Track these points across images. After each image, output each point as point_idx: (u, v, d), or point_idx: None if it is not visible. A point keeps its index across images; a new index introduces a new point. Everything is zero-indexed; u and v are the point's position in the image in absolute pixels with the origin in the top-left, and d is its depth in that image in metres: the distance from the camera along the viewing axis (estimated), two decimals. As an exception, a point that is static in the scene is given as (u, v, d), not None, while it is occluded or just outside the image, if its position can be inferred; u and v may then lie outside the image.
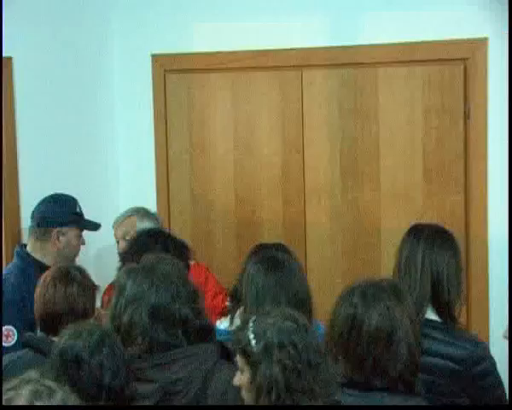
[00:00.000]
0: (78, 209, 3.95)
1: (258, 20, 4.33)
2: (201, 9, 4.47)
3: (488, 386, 3.02)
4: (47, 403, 1.86)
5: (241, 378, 2.42)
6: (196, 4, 4.48)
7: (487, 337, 3.86)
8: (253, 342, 2.36)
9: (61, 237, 3.85)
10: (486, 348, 3.04)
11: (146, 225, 4.15)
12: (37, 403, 1.85)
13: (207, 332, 2.90)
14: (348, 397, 2.55)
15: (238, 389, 2.57)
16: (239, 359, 2.42)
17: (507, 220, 3.95)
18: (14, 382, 1.93)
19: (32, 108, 4.27)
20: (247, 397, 2.42)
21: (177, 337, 2.78)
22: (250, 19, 4.36)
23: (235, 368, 2.66)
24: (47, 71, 4.34)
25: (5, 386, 1.94)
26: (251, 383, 2.38)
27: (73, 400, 1.93)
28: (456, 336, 3.02)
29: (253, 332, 2.38)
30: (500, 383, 3.04)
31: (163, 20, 4.55)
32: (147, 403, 2.67)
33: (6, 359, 3.07)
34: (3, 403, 1.88)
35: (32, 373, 2.00)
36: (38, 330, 3.21)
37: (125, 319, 2.81)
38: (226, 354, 2.85)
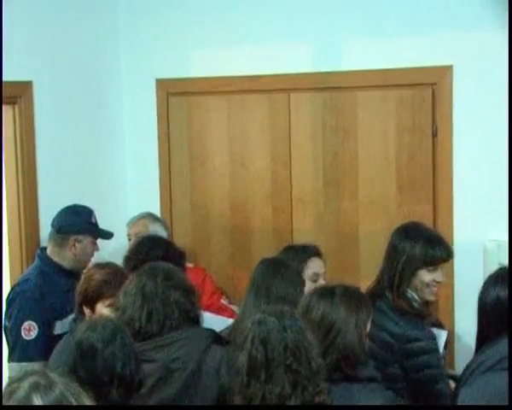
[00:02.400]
0: (93, 220, 3.95)
1: (250, 49, 4.33)
2: (200, 39, 4.47)
3: (428, 378, 3.04)
4: (43, 395, 1.85)
5: None
6: (196, 35, 4.48)
7: (452, 335, 3.87)
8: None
9: (77, 244, 3.85)
10: (426, 335, 3.08)
11: (156, 226, 4.20)
12: (34, 395, 1.85)
13: (198, 319, 2.97)
14: None
15: (229, 367, 2.65)
16: None
17: (470, 226, 3.93)
18: (22, 374, 1.94)
19: (50, 127, 4.26)
20: None
21: (174, 317, 2.84)
22: (243, 48, 4.36)
23: (226, 350, 2.77)
24: (63, 93, 4.34)
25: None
26: None
27: (75, 390, 1.93)
28: (401, 318, 3.10)
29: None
30: (442, 377, 3.08)
31: (166, 49, 4.56)
32: (150, 380, 2.70)
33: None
34: (7, 394, 1.87)
35: (37, 365, 2.08)
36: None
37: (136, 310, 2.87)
38: (219, 340, 2.92)
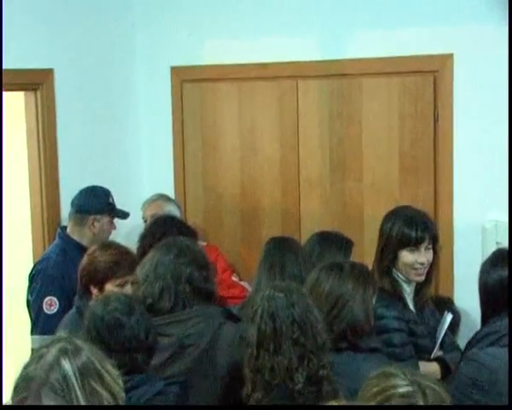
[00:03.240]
0: (111, 200, 3.95)
1: (260, 38, 4.32)
2: (212, 29, 4.47)
3: (391, 356, 2.89)
4: (71, 359, 1.86)
5: None
6: (208, 24, 4.48)
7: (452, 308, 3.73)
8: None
9: (96, 223, 3.86)
10: (391, 315, 2.97)
11: (170, 207, 4.21)
12: (63, 358, 1.85)
13: (211, 296, 2.96)
14: None
15: (241, 342, 2.59)
16: None
17: (469, 207, 3.93)
18: (50, 338, 1.97)
19: (70, 113, 4.26)
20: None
21: (186, 294, 2.84)
22: (253, 36, 4.35)
23: (237, 326, 2.76)
24: (83, 80, 4.35)
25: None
26: None
27: (100, 355, 1.94)
28: (379, 296, 2.95)
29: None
30: (404, 357, 2.93)
31: (180, 38, 4.55)
32: (165, 354, 2.72)
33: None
34: (36, 358, 1.88)
35: (63, 333, 2.02)
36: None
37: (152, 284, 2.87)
38: (231, 317, 2.92)
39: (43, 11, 4.13)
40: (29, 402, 1.82)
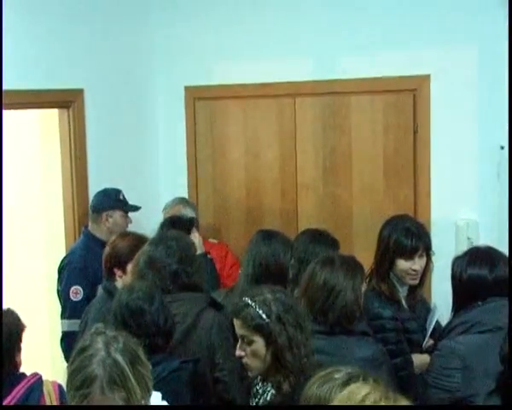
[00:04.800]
0: (121, 197, 3.91)
1: (261, 62, 4.32)
2: (221, 54, 4.46)
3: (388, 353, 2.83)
4: (115, 345, 1.85)
5: (250, 349, 2.27)
6: (217, 50, 4.47)
7: (430, 297, 3.80)
8: (264, 316, 2.25)
9: (109, 219, 3.83)
10: (387, 315, 2.92)
11: (187, 210, 4.13)
12: (113, 352, 1.82)
13: (195, 288, 2.86)
14: (317, 341, 2.51)
15: (221, 326, 2.58)
16: (248, 334, 2.26)
17: (444, 208, 3.89)
18: (89, 333, 1.94)
19: (98, 126, 4.26)
20: (255, 363, 2.28)
21: (167, 285, 2.77)
22: (256, 60, 4.34)
23: (219, 313, 2.71)
24: (109, 98, 4.34)
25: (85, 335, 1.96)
26: (267, 348, 2.25)
27: (132, 341, 1.93)
28: (376, 298, 2.98)
29: (261, 309, 2.27)
30: (400, 353, 2.89)
31: (193, 62, 4.55)
32: None
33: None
34: (88, 357, 1.84)
35: (100, 325, 1.99)
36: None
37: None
38: (215, 304, 2.83)
39: (75, 38, 4.13)
40: (94, 399, 1.78)
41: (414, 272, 3.03)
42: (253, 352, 2.27)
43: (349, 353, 2.48)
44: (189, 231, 3.46)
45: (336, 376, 1.79)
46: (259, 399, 2.32)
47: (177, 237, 2.99)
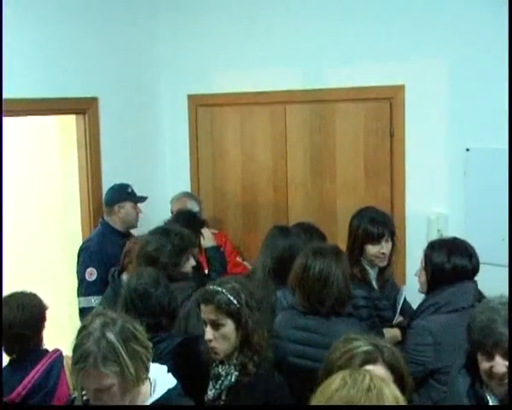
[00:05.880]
0: (129, 190, 3.93)
1: (256, 72, 4.33)
2: (220, 65, 4.47)
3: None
4: (111, 328, 1.83)
5: (220, 332, 2.22)
6: (216, 62, 4.48)
7: (404, 281, 3.77)
8: (235, 301, 2.23)
9: (121, 210, 3.88)
10: (358, 294, 2.89)
11: (192, 204, 4.14)
12: (107, 332, 1.81)
13: (184, 277, 2.89)
14: (306, 320, 2.58)
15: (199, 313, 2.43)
16: (220, 318, 2.21)
17: (417, 203, 3.86)
18: (90, 314, 1.93)
19: (111, 131, 4.28)
20: (224, 345, 2.22)
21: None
22: (251, 72, 4.35)
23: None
24: (120, 105, 4.36)
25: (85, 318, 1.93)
26: (237, 331, 2.23)
27: (131, 323, 1.91)
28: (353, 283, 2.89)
29: (232, 295, 2.24)
30: (372, 327, 2.88)
31: (195, 73, 4.56)
32: None
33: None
34: (86, 335, 1.82)
35: (100, 308, 2.02)
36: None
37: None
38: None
39: (91, 52, 4.17)
40: (89, 371, 1.79)
41: (382, 255, 3.08)
42: (223, 335, 2.22)
43: (338, 332, 2.39)
44: (200, 227, 3.46)
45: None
46: (223, 381, 2.24)
47: (172, 230, 2.97)
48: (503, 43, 3.42)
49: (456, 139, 3.74)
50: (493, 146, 3.56)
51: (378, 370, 1.71)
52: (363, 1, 3.93)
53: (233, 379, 2.23)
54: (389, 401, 1.40)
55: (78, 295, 3.76)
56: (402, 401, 1.44)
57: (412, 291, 3.53)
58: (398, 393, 1.45)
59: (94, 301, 3.61)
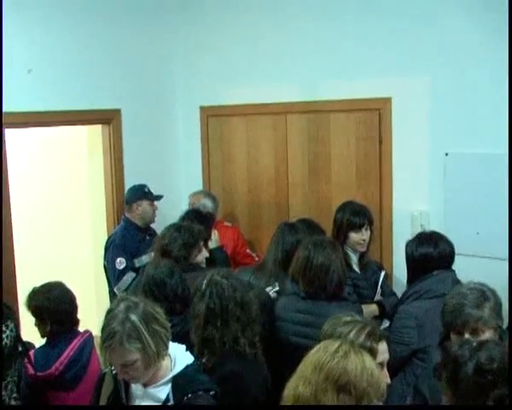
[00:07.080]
0: (146, 190, 3.91)
1: (260, 86, 4.32)
2: (229, 80, 4.47)
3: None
4: (134, 312, 1.83)
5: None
6: (226, 77, 4.48)
7: (391, 271, 3.82)
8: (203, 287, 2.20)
9: (139, 207, 3.86)
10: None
11: (206, 200, 4.09)
12: (130, 314, 1.82)
13: (195, 267, 2.87)
14: (306, 304, 2.59)
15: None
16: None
17: (403, 201, 3.83)
18: (116, 299, 1.93)
19: (133, 139, 4.28)
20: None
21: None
22: (256, 85, 4.34)
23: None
24: (141, 116, 4.36)
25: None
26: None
27: (152, 306, 1.91)
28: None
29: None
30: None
31: (206, 87, 4.57)
32: None
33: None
34: (113, 316, 1.82)
35: (124, 294, 2.02)
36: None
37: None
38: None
39: (114, 68, 4.18)
40: (116, 348, 1.80)
41: (363, 241, 3.16)
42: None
43: (332, 313, 2.40)
44: (208, 225, 3.44)
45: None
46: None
47: (183, 226, 2.96)
48: (481, 61, 3.45)
49: (436, 145, 3.74)
50: (469, 151, 3.58)
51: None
52: (354, 24, 3.93)
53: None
54: (352, 365, 1.43)
55: (114, 285, 3.72)
56: (370, 371, 1.45)
57: (399, 280, 3.58)
58: (369, 364, 1.46)
59: (130, 278, 3.60)
